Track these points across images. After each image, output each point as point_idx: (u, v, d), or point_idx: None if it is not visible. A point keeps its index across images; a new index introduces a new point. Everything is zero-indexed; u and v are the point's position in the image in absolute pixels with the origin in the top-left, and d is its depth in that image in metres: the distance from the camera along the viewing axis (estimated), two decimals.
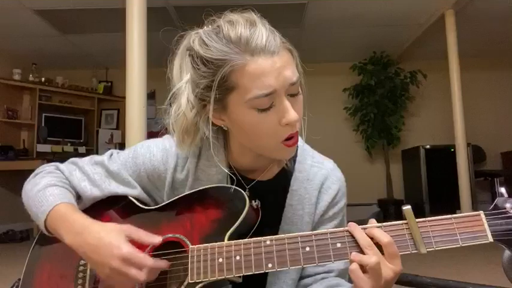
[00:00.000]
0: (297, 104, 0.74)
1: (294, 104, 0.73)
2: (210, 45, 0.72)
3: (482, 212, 0.67)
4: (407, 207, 0.68)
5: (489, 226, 0.65)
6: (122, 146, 5.11)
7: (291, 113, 0.72)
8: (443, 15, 4.35)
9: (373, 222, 0.70)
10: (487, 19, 4.58)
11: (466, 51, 4.71)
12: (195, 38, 0.76)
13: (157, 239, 0.75)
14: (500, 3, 4.17)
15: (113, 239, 0.72)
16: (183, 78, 0.78)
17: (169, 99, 0.80)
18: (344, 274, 0.86)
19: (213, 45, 0.72)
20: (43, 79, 5.39)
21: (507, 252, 0.72)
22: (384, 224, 0.69)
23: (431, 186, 5.12)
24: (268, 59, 0.70)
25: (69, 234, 0.76)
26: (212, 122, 0.77)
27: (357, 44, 5.32)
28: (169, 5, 4.07)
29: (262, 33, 0.71)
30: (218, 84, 0.71)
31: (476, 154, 5.42)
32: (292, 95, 0.74)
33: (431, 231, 0.67)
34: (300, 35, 4.80)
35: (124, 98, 3.08)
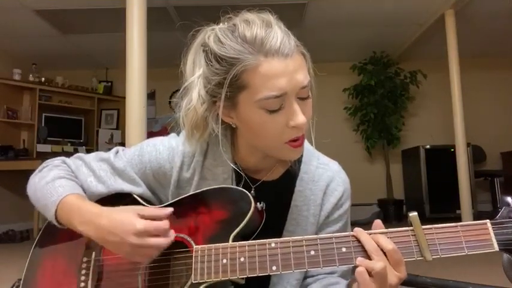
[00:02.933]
0: (306, 107, 0.75)
1: (303, 107, 0.74)
2: (224, 42, 0.73)
3: (488, 221, 0.67)
4: (413, 214, 0.68)
5: (495, 235, 0.66)
6: (122, 146, 5.11)
7: (300, 116, 0.72)
8: (443, 15, 4.35)
9: (378, 224, 0.70)
10: (487, 19, 4.59)
11: (466, 51, 4.71)
12: (210, 35, 0.76)
13: (168, 210, 0.76)
14: (500, 3, 4.17)
15: (124, 217, 0.73)
16: (195, 73, 0.78)
17: (181, 92, 0.80)
18: (346, 275, 0.86)
19: (228, 43, 0.72)
20: (43, 79, 5.38)
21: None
22: (390, 230, 0.69)
23: (431, 186, 5.10)
24: (281, 62, 0.70)
25: (83, 222, 0.76)
26: (221, 119, 0.78)
27: (357, 44, 5.32)
28: (169, 5, 4.07)
29: (278, 35, 0.71)
30: (230, 82, 0.72)
31: (476, 154, 5.41)
32: (302, 98, 0.74)
33: (437, 238, 0.67)
34: (300, 35, 4.77)
35: (124, 98, 3.08)
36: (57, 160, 0.91)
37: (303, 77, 0.72)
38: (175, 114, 0.82)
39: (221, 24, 0.78)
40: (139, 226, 0.71)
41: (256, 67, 0.70)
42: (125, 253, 0.73)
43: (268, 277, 0.84)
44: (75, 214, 0.78)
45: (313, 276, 0.86)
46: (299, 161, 0.89)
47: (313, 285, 0.84)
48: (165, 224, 0.73)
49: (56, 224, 0.81)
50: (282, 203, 0.86)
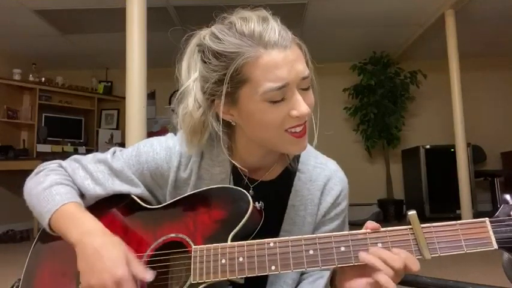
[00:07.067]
0: (307, 98, 0.75)
1: (304, 97, 0.74)
2: (222, 38, 0.73)
3: (487, 219, 0.67)
4: (412, 213, 0.67)
5: (494, 233, 0.65)
6: (121, 146, 5.11)
7: (302, 105, 0.73)
8: (443, 15, 4.34)
9: (371, 225, 0.69)
10: (487, 19, 4.58)
11: (466, 51, 4.71)
12: (205, 35, 0.77)
13: (149, 276, 0.72)
14: (500, 3, 4.16)
15: (115, 256, 0.70)
16: (191, 77, 0.78)
17: (177, 98, 0.80)
18: None
19: (226, 39, 0.72)
20: (43, 79, 5.38)
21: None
22: (389, 228, 0.69)
23: (431, 186, 5.10)
24: (281, 53, 0.71)
25: (77, 232, 0.75)
26: (221, 118, 0.78)
27: (357, 44, 5.32)
28: (169, 5, 4.07)
29: (275, 28, 0.72)
30: (230, 77, 0.72)
31: (476, 154, 5.41)
32: (303, 89, 0.75)
33: (436, 236, 0.66)
34: (300, 35, 4.77)
35: (124, 98, 3.08)
36: (53, 164, 0.90)
37: (302, 67, 0.73)
38: (172, 120, 0.82)
39: (214, 24, 0.78)
40: (120, 274, 0.68)
41: (257, 59, 0.70)
42: (86, 281, 0.70)
43: (266, 276, 0.83)
44: (70, 223, 0.77)
45: (307, 272, 0.86)
46: (297, 161, 0.88)
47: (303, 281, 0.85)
48: None
49: (49, 230, 0.80)
50: (280, 203, 0.86)
